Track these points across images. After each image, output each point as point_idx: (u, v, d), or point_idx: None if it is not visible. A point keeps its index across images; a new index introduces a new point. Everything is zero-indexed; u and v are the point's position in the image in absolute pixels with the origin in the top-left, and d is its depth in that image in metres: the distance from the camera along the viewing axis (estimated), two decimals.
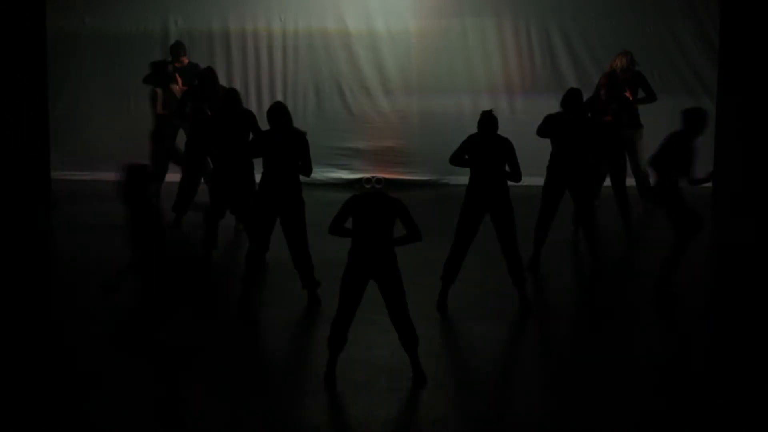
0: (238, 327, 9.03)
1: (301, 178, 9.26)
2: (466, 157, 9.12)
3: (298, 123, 14.40)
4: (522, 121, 14.25)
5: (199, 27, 14.66)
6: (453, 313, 9.20)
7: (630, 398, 7.42)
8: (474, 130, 14.41)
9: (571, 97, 10.20)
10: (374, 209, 7.44)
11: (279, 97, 14.62)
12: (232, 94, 10.59)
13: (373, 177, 14.57)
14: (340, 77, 14.57)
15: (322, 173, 14.59)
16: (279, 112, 9.13)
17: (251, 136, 10.40)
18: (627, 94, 11.96)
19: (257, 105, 14.55)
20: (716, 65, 13.31)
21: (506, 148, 9.07)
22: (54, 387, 7.52)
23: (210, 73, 11.78)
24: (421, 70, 14.59)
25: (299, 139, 9.19)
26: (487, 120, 9.08)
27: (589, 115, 11.21)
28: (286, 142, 9.10)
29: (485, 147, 9.04)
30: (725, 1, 12.77)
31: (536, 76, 14.60)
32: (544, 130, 10.24)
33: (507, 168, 9.10)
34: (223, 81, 14.56)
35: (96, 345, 8.31)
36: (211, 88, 11.59)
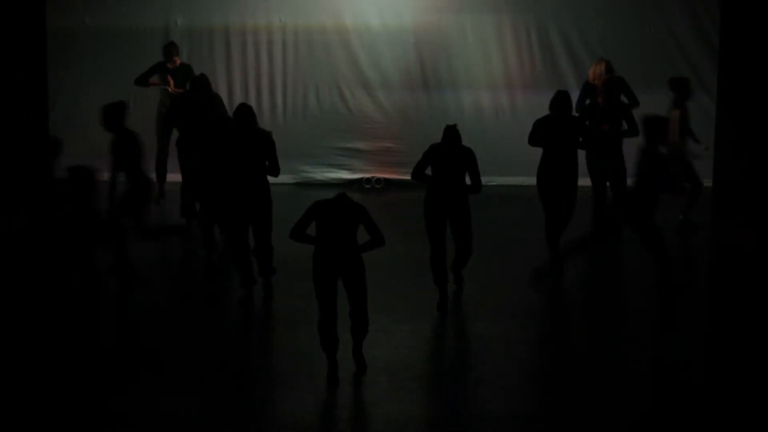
0: (238, 327, 9.04)
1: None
2: (428, 171, 9.26)
3: (297, 122, 14.60)
4: (522, 118, 14.25)
5: (199, 25, 14.65)
6: (453, 313, 9.21)
7: (629, 398, 7.42)
8: (474, 127, 14.47)
9: (559, 99, 10.22)
10: (337, 214, 7.48)
11: (279, 96, 14.65)
12: (215, 100, 10.73)
13: (373, 177, 14.58)
14: (339, 76, 14.56)
15: (322, 173, 14.59)
16: (242, 114, 9.18)
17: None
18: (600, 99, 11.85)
19: (257, 104, 14.54)
20: (715, 64, 13.30)
21: (469, 158, 9.17)
22: (53, 387, 7.51)
23: (203, 80, 11.82)
24: (421, 68, 14.59)
25: (265, 140, 9.22)
26: (451, 134, 9.22)
27: (587, 122, 11.25)
28: (251, 143, 9.14)
29: (448, 156, 9.15)
30: (725, 1, 12.76)
31: (536, 73, 14.59)
32: (535, 138, 10.26)
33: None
34: (223, 79, 14.59)
35: (93, 344, 8.31)
36: (204, 95, 11.60)
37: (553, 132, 10.13)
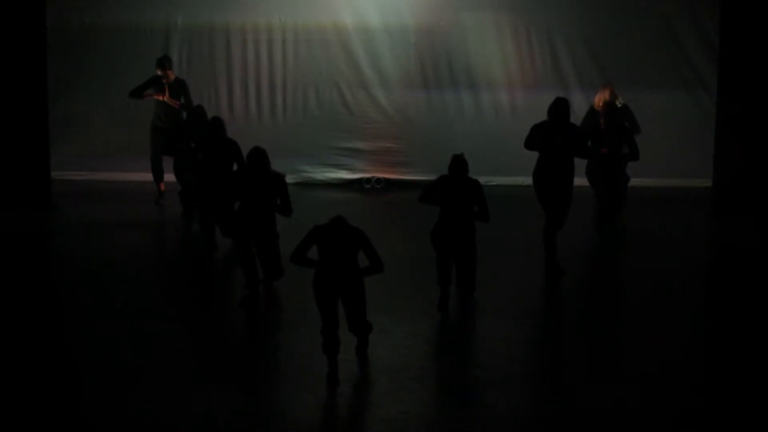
0: (239, 327, 9.05)
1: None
2: (437, 196, 9.30)
3: (297, 122, 14.59)
4: (522, 118, 14.23)
5: (199, 24, 14.64)
6: (453, 313, 9.21)
7: (630, 398, 7.42)
8: (473, 127, 14.46)
9: (557, 104, 10.21)
10: (337, 239, 7.55)
11: (279, 96, 14.63)
12: (216, 123, 10.82)
13: (373, 177, 14.58)
14: (339, 76, 14.55)
15: (322, 173, 14.58)
16: (256, 156, 9.32)
17: (235, 165, 10.75)
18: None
19: (257, 104, 14.56)
20: (715, 64, 13.30)
21: (475, 189, 9.24)
22: (53, 386, 7.52)
23: (200, 111, 11.94)
24: (421, 68, 14.58)
25: (277, 182, 9.34)
26: (458, 163, 9.24)
27: (590, 143, 11.31)
28: (263, 184, 9.29)
29: (455, 188, 9.20)
30: (725, 1, 12.76)
31: (536, 73, 14.58)
32: (531, 142, 10.28)
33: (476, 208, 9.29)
34: (223, 78, 14.58)
35: (95, 344, 8.32)
36: (200, 125, 11.70)
37: (550, 137, 10.12)
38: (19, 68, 12.74)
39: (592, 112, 12.55)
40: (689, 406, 7.32)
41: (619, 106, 12.29)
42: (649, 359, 8.16)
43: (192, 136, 11.54)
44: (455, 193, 9.22)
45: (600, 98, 12.44)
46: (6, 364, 7.88)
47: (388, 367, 7.86)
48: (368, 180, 14.51)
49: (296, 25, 14.60)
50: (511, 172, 13.74)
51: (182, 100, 12.80)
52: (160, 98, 12.81)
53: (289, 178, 13.53)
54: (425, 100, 14.63)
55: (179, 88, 12.86)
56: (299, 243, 7.71)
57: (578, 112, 13.91)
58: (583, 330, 9.11)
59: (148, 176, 13.37)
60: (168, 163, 12.80)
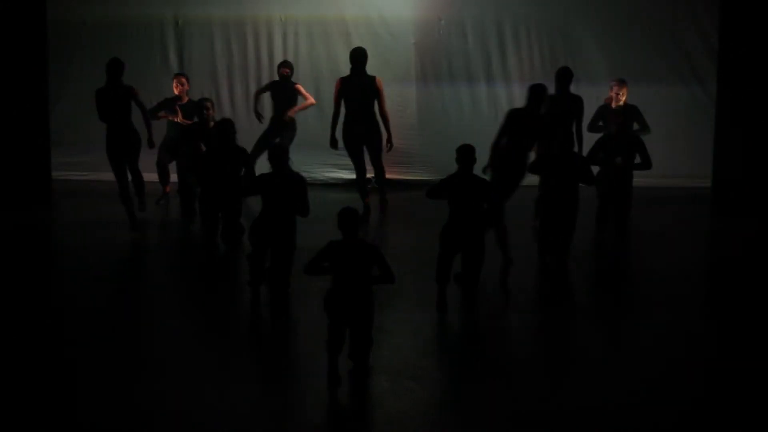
0: (239, 326, 9.06)
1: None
2: (444, 193, 9.35)
3: (297, 120, 14.61)
4: None
5: (200, 19, 14.66)
6: (453, 311, 9.21)
7: (632, 395, 7.43)
8: (473, 126, 14.46)
9: (533, 92, 10.41)
10: (352, 256, 7.56)
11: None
12: (225, 126, 10.76)
13: (373, 177, 14.59)
14: (339, 74, 14.58)
15: (322, 173, 14.59)
16: (279, 155, 9.28)
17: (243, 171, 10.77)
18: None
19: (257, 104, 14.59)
20: (715, 64, 13.32)
21: (485, 188, 9.28)
22: (53, 385, 7.52)
23: (206, 105, 12.01)
24: (421, 66, 14.59)
25: (297, 183, 9.34)
26: (465, 153, 9.24)
27: (601, 155, 11.35)
28: (284, 185, 9.28)
29: (464, 187, 9.22)
30: (725, 1, 12.78)
31: (535, 71, 14.60)
32: (534, 168, 10.40)
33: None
34: (223, 74, 14.61)
35: (95, 343, 8.33)
36: (206, 126, 11.73)
37: (555, 167, 10.11)
38: (20, 67, 12.76)
39: (603, 108, 12.52)
40: (689, 406, 7.33)
41: (622, 102, 12.31)
42: (649, 358, 8.16)
43: (203, 135, 11.56)
44: (465, 191, 9.23)
45: (613, 95, 12.46)
46: (9, 365, 7.88)
47: (388, 367, 7.86)
48: (368, 180, 14.52)
49: (296, 20, 14.62)
50: None
51: (195, 119, 12.85)
52: (174, 119, 12.91)
53: None
54: (425, 99, 14.65)
55: (193, 109, 12.94)
56: (314, 256, 7.71)
57: None
58: (584, 329, 9.12)
59: (149, 176, 13.40)
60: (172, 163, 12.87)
